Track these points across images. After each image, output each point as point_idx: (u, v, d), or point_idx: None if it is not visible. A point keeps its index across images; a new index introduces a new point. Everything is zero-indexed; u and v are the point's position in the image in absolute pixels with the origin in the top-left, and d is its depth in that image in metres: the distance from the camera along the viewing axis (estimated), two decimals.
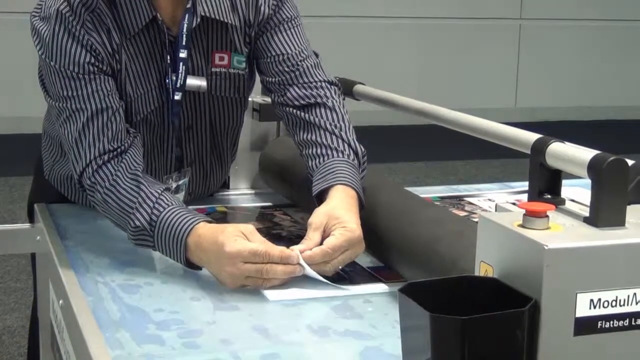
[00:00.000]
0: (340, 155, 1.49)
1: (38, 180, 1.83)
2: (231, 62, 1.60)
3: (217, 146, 1.68)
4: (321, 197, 1.42)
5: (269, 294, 1.27)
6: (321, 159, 1.49)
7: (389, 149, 5.38)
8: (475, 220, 1.27)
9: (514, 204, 1.00)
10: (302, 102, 1.58)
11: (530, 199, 1.01)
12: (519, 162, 1.42)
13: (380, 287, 1.30)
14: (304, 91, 1.58)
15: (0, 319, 3.12)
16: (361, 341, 1.12)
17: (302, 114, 1.56)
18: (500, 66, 6.47)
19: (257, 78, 1.67)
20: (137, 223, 1.40)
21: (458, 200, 1.78)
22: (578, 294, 0.86)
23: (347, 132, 1.53)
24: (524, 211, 0.90)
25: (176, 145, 1.63)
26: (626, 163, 0.91)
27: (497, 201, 1.20)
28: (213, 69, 1.59)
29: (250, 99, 1.81)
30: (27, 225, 1.73)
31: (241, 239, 1.30)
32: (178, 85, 1.54)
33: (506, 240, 0.90)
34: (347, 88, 1.81)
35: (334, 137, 1.52)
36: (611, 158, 0.91)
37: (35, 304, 1.88)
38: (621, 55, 6.72)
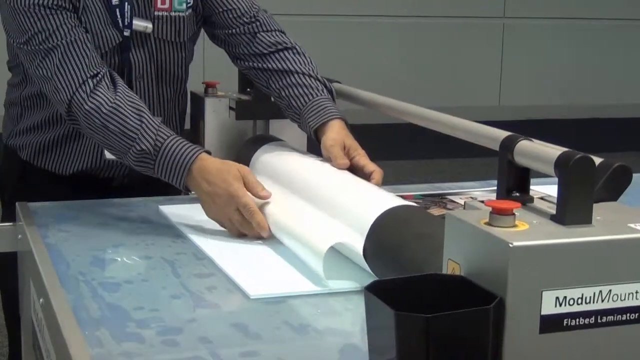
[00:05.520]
0: (320, 93, 1.72)
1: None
2: (172, 4, 1.74)
3: (163, 97, 1.80)
4: (316, 131, 1.67)
5: (250, 289, 1.27)
6: (304, 98, 1.72)
7: (373, 147, 5.36)
8: None
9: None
10: (271, 49, 1.77)
11: (499, 197, 1.01)
12: None
13: (361, 285, 1.30)
14: (270, 39, 1.78)
15: None
16: (340, 339, 1.12)
17: (274, 62, 1.76)
18: (484, 65, 6.48)
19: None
20: (143, 147, 1.54)
21: (440, 198, 1.77)
22: (543, 292, 0.85)
23: (317, 72, 1.77)
24: (490, 209, 0.90)
25: None
26: (593, 161, 0.91)
27: (467, 200, 1.21)
28: (156, 13, 1.73)
29: (226, 98, 1.81)
30: (8, 224, 1.72)
31: (242, 185, 1.50)
32: (126, 23, 1.69)
33: (472, 238, 0.89)
34: None
35: (311, 78, 1.74)
36: (578, 156, 0.91)
37: (4, 302, 1.92)
38: (604, 54, 6.74)
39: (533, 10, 6.52)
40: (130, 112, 1.56)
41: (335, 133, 1.63)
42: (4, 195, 1.89)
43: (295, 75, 1.75)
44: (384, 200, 1.35)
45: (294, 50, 1.79)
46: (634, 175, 1.07)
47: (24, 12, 1.59)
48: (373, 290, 0.89)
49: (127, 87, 1.62)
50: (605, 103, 6.67)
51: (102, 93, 1.57)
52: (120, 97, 1.57)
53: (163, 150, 1.54)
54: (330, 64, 5.45)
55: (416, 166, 5.46)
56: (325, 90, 1.74)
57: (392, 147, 5.58)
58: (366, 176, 1.59)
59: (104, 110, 1.56)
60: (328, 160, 1.61)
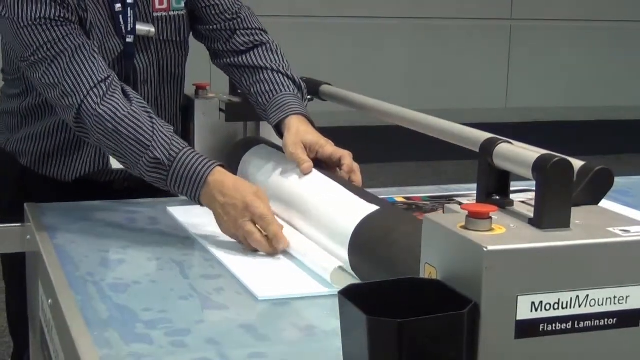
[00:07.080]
0: (285, 89, 1.70)
1: None
2: (170, 4, 1.75)
3: (165, 98, 1.80)
4: (278, 127, 1.65)
5: (258, 291, 1.27)
6: (269, 94, 1.70)
7: (379, 149, 5.36)
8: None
9: None
10: (247, 45, 1.77)
11: (478, 200, 0.99)
12: None
13: None
14: (247, 38, 1.78)
15: None
16: None
17: (247, 58, 1.76)
18: (491, 67, 6.46)
19: None
20: (157, 154, 1.49)
21: (448, 200, 1.76)
22: (519, 297, 0.84)
23: (289, 70, 1.75)
24: (467, 212, 0.88)
25: None
26: (570, 164, 0.90)
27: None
28: (155, 14, 1.73)
29: (216, 100, 1.81)
30: (17, 225, 1.71)
31: (258, 199, 1.45)
32: (129, 29, 1.69)
33: (449, 241, 0.88)
34: (313, 88, 1.81)
35: (280, 75, 1.73)
36: (556, 159, 0.90)
37: (11, 303, 1.94)
38: (612, 55, 6.71)
39: (540, 12, 6.50)
40: (144, 118, 1.53)
41: (293, 134, 1.59)
42: (1, 199, 1.88)
43: (264, 72, 1.74)
44: (357, 208, 1.34)
45: (266, 47, 1.78)
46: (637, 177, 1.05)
47: (27, 27, 1.55)
48: (348, 295, 0.88)
49: (137, 94, 1.59)
50: (612, 105, 6.64)
51: (117, 98, 1.54)
52: (135, 103, 1.55)
53: (178, 160, 1.49)
54: (335, 66, 5.46)
55: (420, 168, 5.43)
56: (292, 87, 1.72)
57: (396, 149, 5.57)
58: (336, 164, 1.57)
59: (119, 115, 1.52)
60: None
